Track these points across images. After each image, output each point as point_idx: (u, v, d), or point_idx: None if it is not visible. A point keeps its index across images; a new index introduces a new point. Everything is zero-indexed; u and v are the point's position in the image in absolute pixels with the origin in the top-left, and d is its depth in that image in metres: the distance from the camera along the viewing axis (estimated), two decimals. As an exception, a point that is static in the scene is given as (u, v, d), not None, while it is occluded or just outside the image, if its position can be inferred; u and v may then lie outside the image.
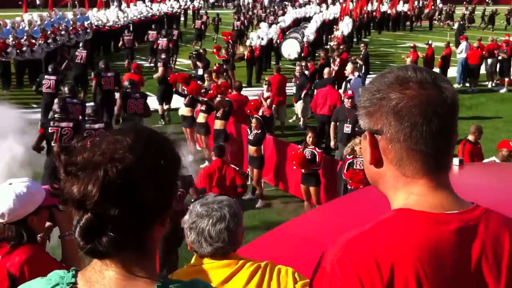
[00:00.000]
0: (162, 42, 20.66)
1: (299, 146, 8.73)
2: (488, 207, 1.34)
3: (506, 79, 18.91)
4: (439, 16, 40.95)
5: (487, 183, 3.88)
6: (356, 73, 14.07)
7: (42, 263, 2.67)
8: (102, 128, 8.38)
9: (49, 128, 8.05)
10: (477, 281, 1.26)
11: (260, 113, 10.62)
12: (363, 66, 17.40)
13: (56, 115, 8.17)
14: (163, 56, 16.20)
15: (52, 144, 7.97)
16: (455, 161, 3.68)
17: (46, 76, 12.56)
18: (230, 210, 2.42)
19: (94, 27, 23.71)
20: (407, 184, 1.33)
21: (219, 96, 10.60)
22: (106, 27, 24.55)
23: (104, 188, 1.20)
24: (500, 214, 1.35)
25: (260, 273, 2.40)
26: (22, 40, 17.92)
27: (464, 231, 1.27)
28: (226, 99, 10.68)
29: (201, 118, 10.88)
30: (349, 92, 10.61)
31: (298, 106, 13.95)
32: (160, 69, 14.35)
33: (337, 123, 10.31)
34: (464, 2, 49.08)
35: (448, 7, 43.12)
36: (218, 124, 10.46)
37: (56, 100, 8.64)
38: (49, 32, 19.63)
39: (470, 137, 8.42)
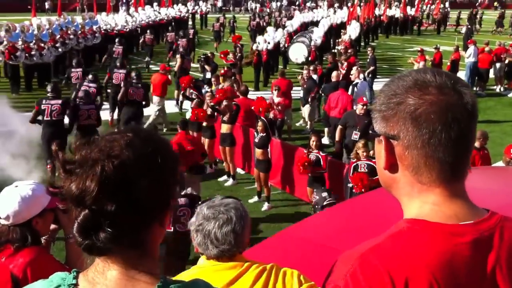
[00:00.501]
0: (182, 42, 21.51)
1: (305, 151, 8.75)
2: (504, 215, 1.31)
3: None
4: (472, 18, 39.75)
5: (494, 187, 3.86)
6: (362, 76, 14.08)
7: (45, 265, 2.67)
8: (92, 109, 10.04)
9: (42, 106, 9.66)
10: None
11: (271, 117, 10.63)
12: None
13: (48, 94, 9.81)
14: (180, 49, 17.20)
15: (45, 118, 9.62)
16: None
17: (72, 70, 14.01)
18: (237, 213, 2.42)
19: (103, 31, 23.84)
20: (422, 191, 1.29)
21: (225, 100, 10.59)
22: (115, 31, 24.67)
23: (101, 184, 1.22)
24: None
25: (265, 276, 2.40)
26: (31, 44, 18.03)
27: (479, 242, 1.24)
28: (233, 103, 10.69)
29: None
30: (364, 99, 10.57)
31: (305, 110, 13.94)
32: (178, 60, 15.25)
33: (346, 128, 10.22)
34: (476, 8, 48.46)
35: (471, 11, 42.32)
36: (224, 128, 10.46)
37: (50, 84, 10.48)
38: (58, 36, 19.75)
39: (476, 143, 8.38)
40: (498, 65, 19.05)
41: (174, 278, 1.38)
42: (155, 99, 13.46)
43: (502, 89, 19.26)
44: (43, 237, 2.93)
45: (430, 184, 1.28)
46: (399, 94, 1.28)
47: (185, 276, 2.37)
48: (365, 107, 9.91)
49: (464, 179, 1.30)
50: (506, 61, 18.87)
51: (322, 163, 8.39)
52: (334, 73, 13.68)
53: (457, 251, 1.21)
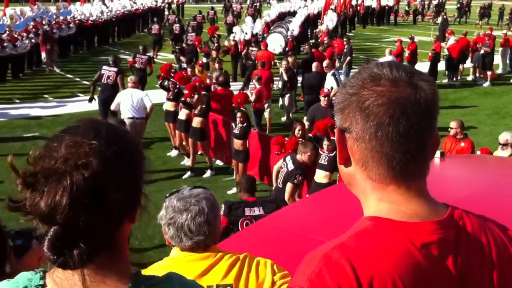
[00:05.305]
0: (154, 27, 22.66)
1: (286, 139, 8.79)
2: (464, 209, 1.28)
3: (489, 73, 19.03)
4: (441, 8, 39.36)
5: (466, 175, 3.91)
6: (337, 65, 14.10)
7: None
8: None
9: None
10: None
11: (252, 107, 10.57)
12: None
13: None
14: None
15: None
16: (436, 153, 3.71)
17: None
18: (208, 203, 2.41)
19: (77, 21, 23.52)
20: (375, 189, 1.25)
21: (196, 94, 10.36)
22: (90, 22, 24.36)
23: (73, 199, 1.13)
24: (475, 216, 1.29)
25: (238, 265, 2.40)
26: (4, 35, 17.70)
27: (444, 242, 1.21)
28: (204, 94, 10.48)
29: (182, 114, 10.79)
30: (325, 90, 10.52)
31: (286, 101, 13.93)
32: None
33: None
34: None
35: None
36: (196, 122, 10.26)
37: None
38: (30, 27, 19.41)
39: (452, 132, 8.49)
40: (474, 55, 19.25)
41: (146, 271, 1.34)
42: None
43: (475, 78, 19.44)
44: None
45: (380, 181, 1.24)
46: (354, 86, 1.25)
47: (157, 268, 2.36)
48: (327, 98, 9.90)
49: (423, 177, 1.25)
50: (482, 51, 19.06)
51: None
52: (314, 64, 13.66)
53: (423, 252, 1.18)
